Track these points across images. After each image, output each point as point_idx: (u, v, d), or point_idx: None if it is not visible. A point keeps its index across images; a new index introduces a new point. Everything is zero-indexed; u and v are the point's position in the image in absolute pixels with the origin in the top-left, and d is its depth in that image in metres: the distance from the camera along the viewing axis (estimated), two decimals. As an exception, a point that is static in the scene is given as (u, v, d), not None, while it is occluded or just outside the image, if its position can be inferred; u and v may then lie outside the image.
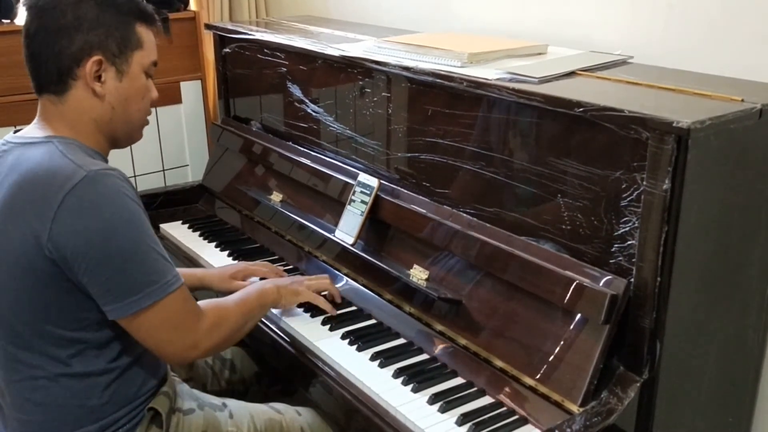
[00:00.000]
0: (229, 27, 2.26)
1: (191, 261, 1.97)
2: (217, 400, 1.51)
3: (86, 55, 1.27)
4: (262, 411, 1.52)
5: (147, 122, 1.42)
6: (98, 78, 1.29)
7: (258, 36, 2.10)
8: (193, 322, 1.30)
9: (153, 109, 1.43)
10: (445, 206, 1.57)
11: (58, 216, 1.17)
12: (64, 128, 1.30)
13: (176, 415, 1.41)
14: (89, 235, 1.17)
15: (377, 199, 1.67)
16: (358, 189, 1.72)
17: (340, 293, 1.72)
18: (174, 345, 1.28)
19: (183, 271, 1.75)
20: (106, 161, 1.34)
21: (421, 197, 1.63)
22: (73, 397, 1.28)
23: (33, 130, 1.31)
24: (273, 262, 1.89)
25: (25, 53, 1.31)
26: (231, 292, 1.70)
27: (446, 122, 1.56)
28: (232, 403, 1.51)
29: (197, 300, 1.36)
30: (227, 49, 2.29)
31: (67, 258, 1.18)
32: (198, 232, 2.11)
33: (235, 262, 1.88)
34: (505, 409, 1.31)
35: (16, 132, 1.35)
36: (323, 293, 1.64)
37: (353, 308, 1.66)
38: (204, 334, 1.31)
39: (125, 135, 1.39)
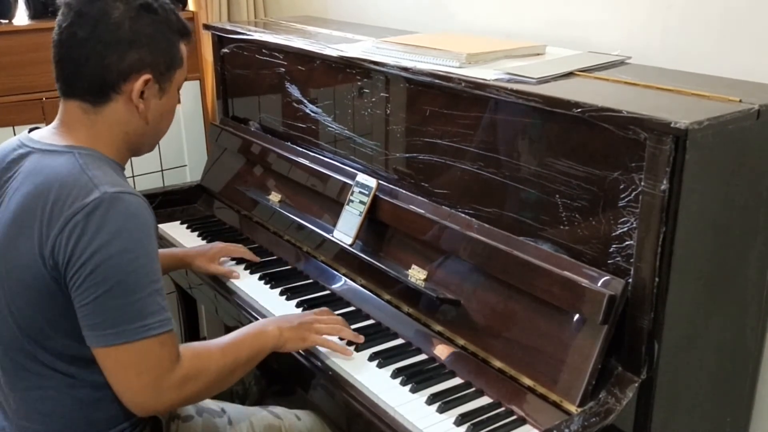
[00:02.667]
0: (228, 27, 2.26)
1: (189, 261, 1.96)
2: (215, 406, 1.50)
3: (135, 72, 1.24)
4: (261, 416, 1.51)
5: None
6: (141, 95, 1.26)
7: (256, 36, 2.10)
8: (163, 371, 1.19)
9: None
10: (443, 207, 1.57)
11: (63, 232, 1.14)
12: (87, 137, 1.25)
13: (175, 422, 1.41)
14: (84, 256, 1.13)
15: (375, 200, 1.67)
16: (356, 189, 1.72)
17: (339, 293, 1.72)
18: (134, 391, 1.19)
19: (163, 252, 1.77)
20: (123, 169, 1.31)
21: (419, 198, 1.63)
22: (80, 410, 1.26)
23: (53, 136, 1.27)
24: (272, 262, 1.90)
25: (60, 56, 1.24)
26: (209, 274, 1.78)
27: (444, 123, 1.56)
28: (231, 409, 1.51)
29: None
30: (225, 50, 2.29)
31: (62, 274, 1.16)
32: (196, 233, 2.11)
33: (233, 262, 1.88)
34: (503, 409, 1.31)
35: (31, 131, 1.31)
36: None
37: (351, 308, 1.66)
38: (172, 386, 1.20)
39: (149, 146, 1.37)
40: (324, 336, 1.47)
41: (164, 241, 2.10)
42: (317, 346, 1.48)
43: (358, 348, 1.49)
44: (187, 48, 1.34)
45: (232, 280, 1.80)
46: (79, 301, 1.16)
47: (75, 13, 1.22)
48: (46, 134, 1.28)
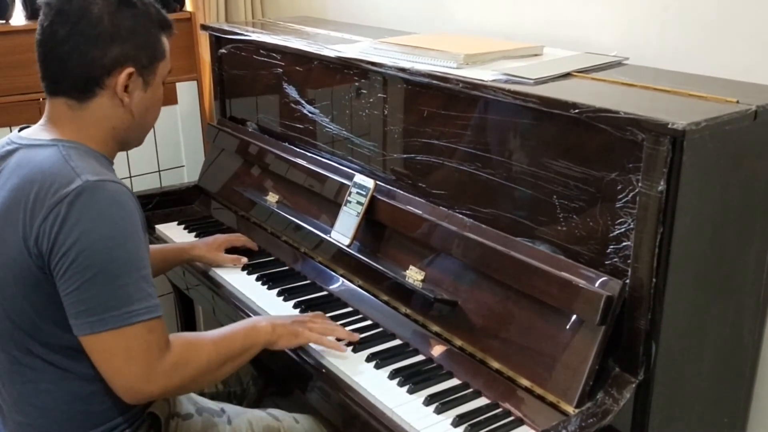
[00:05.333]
0: (225, 28, 2.26)
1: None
2: (215, 406, 1.50)
3: (119, 66, 1.25)
4: (260, 417, 1.51)
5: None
6: (125, 88, 1.27)
7: (254, 37, 2.09)
8: (152, 358, 1.19)
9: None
10: (441, 207, 1.57)
11: (46, 221, 1.15)
12: (73, 132, 1.27)
13: (175, 420, 1.41)
14: (67, 244, 1.14)
15: (373, 200, 1.67)
16: (353, 190, 1.72)
17: (337, 293, 1.72)
18: (124, 377, 1.19)
19: (169, 246, 1.85)
20: (112, 163, 1.32)
21: (416, 198, 1.63)
22: (75, 402, 1.27)
23: (39, 132, 1.28)
24: (269, 263, 1.89)
25: (44, 55, 1.26)
26: (218, 265, 1.81)
27: (442, 123, 1.56)
28: (231, 409, 1.51)
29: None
30: (223, 50, 2.29)
31: (46, 263, 1.16)
32: (194, 233, 2.10)
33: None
34: (500, 410, 1.31)
35: (21, 130, 1.32)
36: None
37: (349, 309, 1.66)
38: (162, 372, 1.20)
39: (137, 140, 1.38)
40: (317, 335, 1.46)
41: (161, 242, 2.10)
42: (312, 346, 1.48)
43: (356, 349, 1.49)
44: (169, 41, 1.35)
45: (230, 281, 1.80)
46: (64, 289, 1.16)
47: (55, 12, 1.23)
48: (33, 131, 1.30)
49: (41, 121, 1.31)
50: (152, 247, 1.73)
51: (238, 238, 1.94)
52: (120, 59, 1.25)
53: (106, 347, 1.18)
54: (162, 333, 1.22)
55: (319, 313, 1.56)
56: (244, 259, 1.86)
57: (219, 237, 1.91)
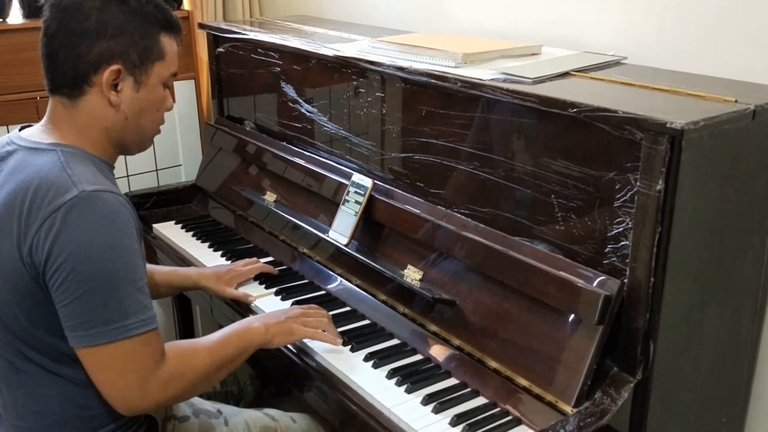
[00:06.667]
0: (223, 26, 2.26)
1: (184, 261, 1.96)
2: (212, 407, 1.50)
3: (105, 62, 1.23)
4: (257, 418, 1.51)
5: (159, 131, 1.37)
6: (114, 87, 1.25)
7: (252, 36, 2.09)
8: (147, 370, 1.19)
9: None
10: (439, 207, 1.57)
11: (40, 231, 1.14)
12: (71, 134, 1.26)
13: (171, 422, 1.41)
14: (62, 256, 1.12)
15: (371, 200, 1.67)
16: (352, 189, 1.71)
17: (335, 293, 1.72)
18: (119, 391, 1.19)
19: (177, 271, 1.77)
20: (113, 168, 1.31)
21: (415, 198, 1.63)
22: (71, 406, 1.26)
23: (40, 133, 1.27)
24: (267, 262, 1.88)
25: (41, 51, 1.26)
26: (225, 298, 1.71)
27: (440, 122, 1.56)
28: (227, 410, 1.51)
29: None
30: (221, 49, 2.28)
31: (41, 274, 1.15)
32: (191, 232, 2.10)
33: (228, 262, 1.87)
34: (498, 409, 1.31)
35: (22, 129, 1.31)
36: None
37: (347, 309, 1.66)
38: (157, 384, 1.20)
39: (135, 144, 1.35)
40: (311, 330, 1.46)
41: (159, 241, 2.09)
42: (311, 345, 1.48)
43: (354, 348, 1.49)
44: (176, 42, 1.32)
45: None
46: (59, 301, 1.16)
47: (50, 7, 1.24)
48: (33, 132, 1.29)
49: (42, 121, 1.30)
50: (158, 269, 1.72)
51: (253, 269, 1.77)
52: (106, 56, 1.23)
53: (101, 360, 1.17)
54: (157, 345, 1.21)
55: (313, 306, 1.55)
56: (252, 298, 1.70)
57: (233, 270, 1.75)
